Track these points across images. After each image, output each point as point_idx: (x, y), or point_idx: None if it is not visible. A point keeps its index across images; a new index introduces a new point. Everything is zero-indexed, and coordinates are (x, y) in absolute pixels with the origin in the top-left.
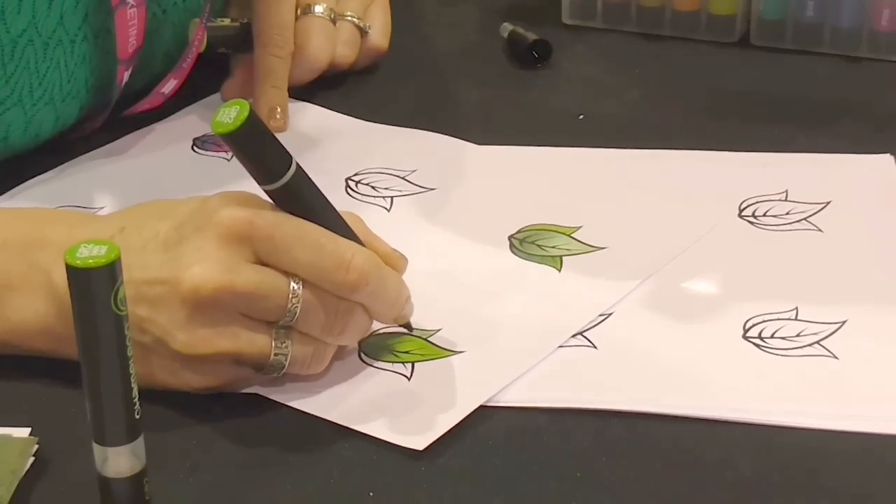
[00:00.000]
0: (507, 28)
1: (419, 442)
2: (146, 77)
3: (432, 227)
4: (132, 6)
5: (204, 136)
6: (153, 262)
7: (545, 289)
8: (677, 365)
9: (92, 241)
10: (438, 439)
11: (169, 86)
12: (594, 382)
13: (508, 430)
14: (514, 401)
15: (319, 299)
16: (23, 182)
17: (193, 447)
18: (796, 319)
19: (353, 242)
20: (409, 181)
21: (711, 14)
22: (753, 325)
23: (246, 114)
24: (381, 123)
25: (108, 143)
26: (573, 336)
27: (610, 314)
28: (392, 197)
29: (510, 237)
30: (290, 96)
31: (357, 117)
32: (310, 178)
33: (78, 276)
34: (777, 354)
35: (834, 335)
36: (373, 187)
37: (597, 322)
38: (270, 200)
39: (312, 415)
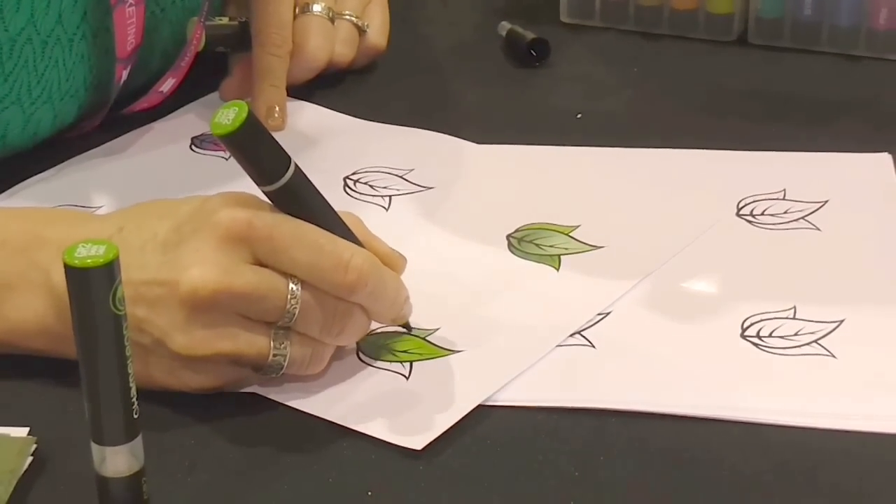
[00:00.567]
0: (505, 27)
1: (418, 441)
2: (144, 76)
3: (431, 226)
4: (131, 4)
5: (202, 134)
6: (152, 262)
7: (543, 288)
8: (675, 364)
9: (90, 241)
10: (437, 439)
11: (167, 84)
12: (592, 381)
13: (507, 429)
14: (512, 400)
15: (318, 300)
16: (21, 181)
17: (192, 447)
18: (794, 318)
19: (351, 243)
20: (407, 180)
21: (709, 13)
22: (751, 325)
23: (244, 115)
24: (380, 122)
25: (106, 141)
26: (571, 335)
27: (608, 313)
28: (390, 196)
29: (508, 236)
30: (288, 95)
31: (355, 116)
32: (308, 179)
33: (76, 276)
34: (775, 353)
35: (832, 334)
36: (371, 186)
37: (595, 321)
38: (269, 201)
39: (311, 414)
